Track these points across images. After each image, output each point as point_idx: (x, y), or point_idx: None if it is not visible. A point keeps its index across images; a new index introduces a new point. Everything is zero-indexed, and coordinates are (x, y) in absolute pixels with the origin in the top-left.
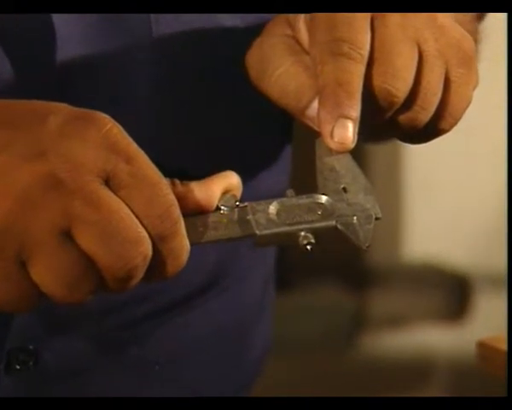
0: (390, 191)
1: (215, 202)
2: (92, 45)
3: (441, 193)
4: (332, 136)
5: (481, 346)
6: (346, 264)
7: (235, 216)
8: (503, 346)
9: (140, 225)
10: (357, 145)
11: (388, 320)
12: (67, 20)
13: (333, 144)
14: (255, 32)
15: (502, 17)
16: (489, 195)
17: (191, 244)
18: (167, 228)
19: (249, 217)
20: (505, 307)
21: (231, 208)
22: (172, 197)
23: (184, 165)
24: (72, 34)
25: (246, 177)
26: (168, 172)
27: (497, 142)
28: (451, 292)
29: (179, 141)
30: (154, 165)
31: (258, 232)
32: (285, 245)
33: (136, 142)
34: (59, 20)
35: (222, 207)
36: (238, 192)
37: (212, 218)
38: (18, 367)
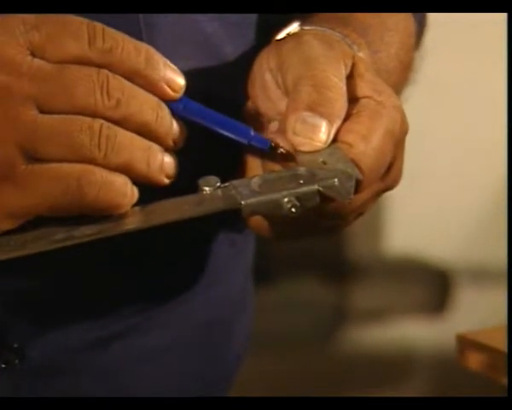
0: None
1: None
2: None
3: (422, 188)
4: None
5: (461, 339)
6: (329, 258)
7: (219, 193)
8: (483, 339)
9: None
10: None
11: (370, 314)
12: None
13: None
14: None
15: (502, 17)
16: (470, 189)
17: (178, 220)
18: None
19: (232, 192)
20: (505, 302)
21: (214, 188)
22: None
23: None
24: None
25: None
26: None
27: (480, 135)
28: (433, 286)
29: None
30: None
31: (242, 202)
32: (270, 213)
33: None
34: None
35: (204, 188)
36: None
37: (195, 197)
38: (3, 366)
